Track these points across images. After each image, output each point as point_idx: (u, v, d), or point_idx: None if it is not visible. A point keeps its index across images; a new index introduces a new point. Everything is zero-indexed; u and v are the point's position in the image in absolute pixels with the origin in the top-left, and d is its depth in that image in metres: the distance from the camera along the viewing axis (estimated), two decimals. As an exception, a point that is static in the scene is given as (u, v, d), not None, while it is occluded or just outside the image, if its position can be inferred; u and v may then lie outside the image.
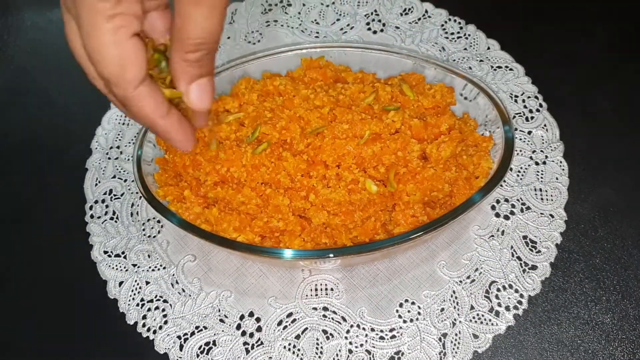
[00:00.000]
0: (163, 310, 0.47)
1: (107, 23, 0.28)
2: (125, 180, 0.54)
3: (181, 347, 0.45)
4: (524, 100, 0.56)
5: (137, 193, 0.53)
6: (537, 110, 0.55)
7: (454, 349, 0.44)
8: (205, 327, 0.46)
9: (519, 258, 0.47)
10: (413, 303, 0.46)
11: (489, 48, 0.61)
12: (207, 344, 0.45)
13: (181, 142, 0.35)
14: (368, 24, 0.64)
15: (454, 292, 0.46)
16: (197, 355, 0.45)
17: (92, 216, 0.52)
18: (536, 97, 0.56)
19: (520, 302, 0.45)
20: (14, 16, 0.70)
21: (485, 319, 0.45)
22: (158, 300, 0.47)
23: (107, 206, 0.53)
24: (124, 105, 0.32)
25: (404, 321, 0.45)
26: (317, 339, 0.45)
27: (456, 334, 0.44)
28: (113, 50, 0.29)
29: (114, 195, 0.53)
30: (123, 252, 0.50)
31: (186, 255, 0.49)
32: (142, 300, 0.47)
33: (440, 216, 0.40)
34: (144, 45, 0.30)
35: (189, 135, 0.35)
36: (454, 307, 0.45)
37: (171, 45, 0.31)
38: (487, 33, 0.62)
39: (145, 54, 0.30)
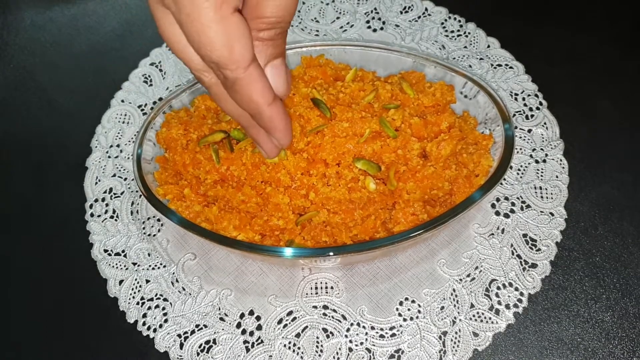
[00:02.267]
0: (163, 308, 0.47)
1: (208, 1, 0.27)
2: (125, 179, 0.54)
3: (181, 345, 0.45)
4: (524, 99, 0.56)
5: (137, 191, 0.53)
6: (537, 109, 0.55)
7: (454, 347, 0.44)
8: (205, 326, 0.46)
9: (519, 256, 0.47)
10: (413, 301, 0.46)
11: (489, 46, 0.61)
12: (207, 342, 0.45)
13: (283, 133, 0.34)
14: (368, 22, 0.64)
15: (454, 290, 0.46)
16: (198, 354, 0.45)
17: (92, 215, 0.52)
18: (536, 95, 0.56)
19: (520, 300, 0.45)
20: (13, 15, 0.70)
21: (485, 317, 0.45)
22: (158, 298, 0.47)
23: (107, 205, 0.53)
24: (233, 89, 0.31)
25: (404, 319, 0.45)
26: (317, 338, 0.45)
27: (456, 332, 0.44)
28: (217, 29, 0.27)
29: (114, 193, 0.53)
30: (123, 251, 0.50)
31: (186, 254, 0.49)
32: (142, 298, 0.47)
33: (441, 214, 0.40)
34: (245, 21, 0.29)
35: (290, 126, 0.35)
36: (454, 305, 0.45)
37: None
38: (487, 31, 0.62)
39: (250, 30, 0.29)
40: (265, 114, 0.32)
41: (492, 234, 0.48)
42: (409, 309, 0.45)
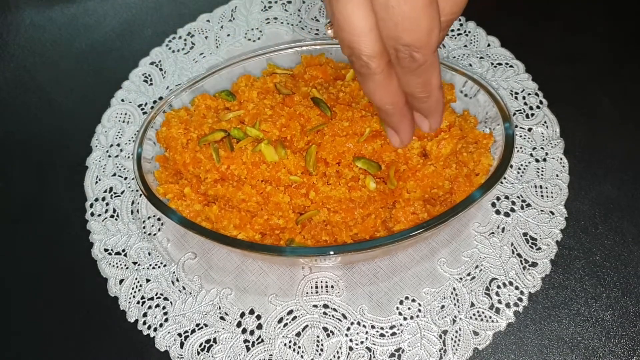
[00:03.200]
0: (163, 308, 0.47)
1: None
2: (126, 178, 0.54)
3: (182, 344, 0.45)
4: (524, 97, 0.56)
5: (137, 191, 0.53)
6: (538, 107, 0.55)
7: (454, 345, 0.44)
8: (205, 325, 0.46)
9: (519, 255, 0.47)
10: (413, 300, 0.46)
11: (489, 45, 0.61)
12: (207, 341, 0.45)
13: (441, 116, 0.37)
14: (368, 21, 0.64)
15: (454, 289, 0.46)
16: (198, 353, 0.45)
17: (92, 214, 0.52)
18: (536, 94, 0.56)
19: (520, 299, 0.45)
20: (13, 14, 0.70)
21: (485, 316, 0.45)
22: (158, 298, 0.47)
23: (107, 204, 0.53)
24: (416, 73, 0.32)
25: (404, 318, 0.45)
26: (318, 337, 0.45)
27: (456, 331, 0.44)
28: (426, 13, 0.28)
29: (114, 193, 0.53)
30: (123, 250, 0.50)
31: (186, 253, 0.49)
32: (142, 298, 0.47)
33: (441, 213, 0.40)
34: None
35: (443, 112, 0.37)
36: (454, 304, 0.45)
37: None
38: (488, 30, 0.62)
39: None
40: (435, 95, 0.34)
41: (493, 233, 0.48)
42: (409, 308, 0.45)
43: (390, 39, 0.29)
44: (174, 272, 0.48)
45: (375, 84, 0.33)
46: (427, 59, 0.30)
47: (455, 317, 0.45)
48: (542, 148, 0.53)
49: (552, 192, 0.50)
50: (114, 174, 0.55)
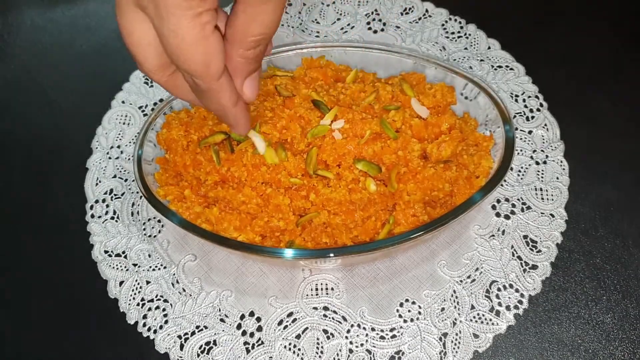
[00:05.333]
0: (163, 309, 0.47)
1: (193, 21, 0.27)
2: (126, 180, 0.54)
3: (182, 346, 0.45)
4: (524, 100, 0.56)
5: (137, 192, 0.53)
6: (538, 110, 0.55)
7: (454, 348, 0.44)
8: (205, 327, 0.46)
9: (519, 257, 0.47)
10: (413, 303, 0.46)
11: (489, 47, 0.61)
12: (207, 343, 0.45)
13: (244, 127, 0.37)
14: (368, 23, 0.64)
15: (454, 291, 0.46)
16: (198, 355, 0.45)
17: (92, 216, 0.52)
18: (537, 97, 0.56)
19: (520, 302, 0.45)
20: (14, 16, 0.70)
21: (485, 319, 0.45)
22: (158, 299, 0.47)
23: (107, 206, 0.53)
24: (203, 96, 0.33)
25: (405, 321, 0.45)
26: (318, 339, 0.45)
27: (457, 334, 0.44)
28: (199, 48, 0.28)
29: (115, 194, 0.53)
30: (123, 252, 0.50)
31: (187, 255, 0.49)
32: (142, 299, 0.47)
33: (441, 216, 0.40)
34: (221, 37, 0.30)
35: (249, 119, 0.37)
36: (455, 307, 0.45)
37: (226, 44, 0.31)
38: (488, 32, 0.62)
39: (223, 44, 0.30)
40: (230, 114, 0.35)
41: (493, 236, 0.48)
42: (409, 310, 0.45)
43: (173, 62, 0.30)
44: (174, 274, 0.48)
45: (168, 88, 0.34)
46: (210, 86, 0.31)
47: (456, 319, 0.45)
48: (542, 150, 0.53)
49: (552, 195, 0.50)
50: (115, 176, 0.55)
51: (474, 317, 0.45)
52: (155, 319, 0.46)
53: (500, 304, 0.45)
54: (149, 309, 0.47)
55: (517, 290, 0.46)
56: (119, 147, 0.57)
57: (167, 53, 0.29)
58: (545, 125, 0.54)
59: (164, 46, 0.29)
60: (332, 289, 0.47)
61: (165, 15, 0.27)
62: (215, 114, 0.36)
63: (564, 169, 0.52)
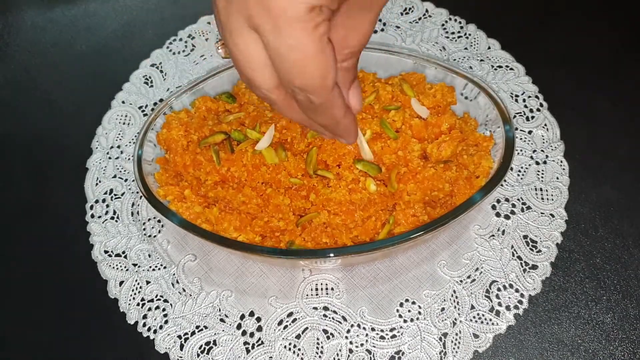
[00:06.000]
0: (163, 309, 0.47)
1: (313, 33, 0.26)
2: (126, 180, 0.54)
3: (182, 346, 0.45)
4: (524, 100, 0.56)
5: (137, 192, 0.53)
6: (538, 110, 0.55)
7: (454, 348, 0.44)
8: (205, 327, 0.46)
9: (519, 257, 0.47)
10: (413, 303, 0.46)
11: (489, 47, 0.61)
12: (207, 343, 0.45)
13: (353, 137, 0.36)
14: (368, 23, 0.64)
15: (454, 291, 0.46)
16: (198, 355, 0.45)
17: (92, 216, 0.52)
18: (537, 97, 0.56)
19: (520, 302, 0.45)
20: (14, 16, 0.70)
21: (485, 319, 0.45)
22: (158, 299, 0.47)
23: (107, 206, 0.53)
24: (316, 111, 0.32)
25: (405, 321, 0.45)
26: (318, 339, 0.45)
27: (457, 334, 0.44)
28: (318, 60, 0.27)
29: (115, 194, 0.53)
30: (123, 252, 0.50)
31: (187, 255, 0.49)
32: (142, 299, 0.47)
33: (441, 216, 0.40)
34: (333, 47, 0.29)
35: (357, 128, 0.37)
36: (455, 307, 0.45)
37: None
38: (488, 32, 0.62)
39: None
40: (342, 125, 0.34)
41: (493, 236, 0.48)
42: (409, 311, 0.45)
43: (285, 80, 0.29)
44: (174, 274, 0.48)
45: (282, 110, 0.33)
46: (323, 100, 0.30)
47: (456, 319, 0.45)
48: (542, 151, 0.53)
49: (552, 195, 0.50)
50: (115, 176, 0.55)
51: (474, 317, 0.45)
52: (155, 319, 0.46)
53: (500, 304, 0.45)
54: (149, 309, 0.47)
55: (517, 290, 0.46)
56: (119, 147, 0.57)
57: (281, 71, 0.28)
58: (545, 125, 0.54)
59: (279, 64, 0.28)
60: (332, 289, 0.47)
61: (285, 30, 0.26)
62: (324, 128, 0.35)
63: (564, 169, 0.52)
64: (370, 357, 0.44)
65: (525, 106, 0.56)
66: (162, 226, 0.51)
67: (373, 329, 0.45)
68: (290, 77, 0.28)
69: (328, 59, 0.28)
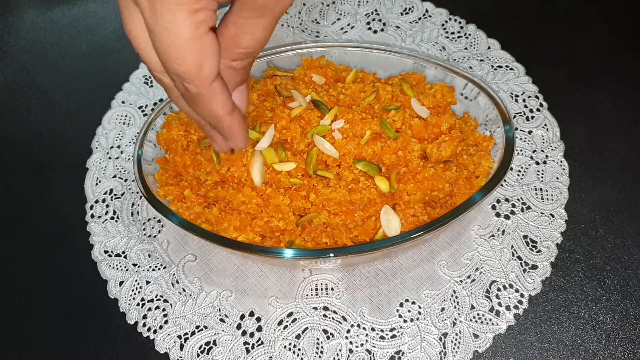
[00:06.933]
0: (163, 309, 0.47)
1: (189, 18, 0.26)
2: (126, 180, 0.54)
3: (181, 346, 0.45)
4: (524, 100, 0.56)
5: (137, 192, 0.53)
6: (538, 110, 0.55)
7: (454, 348, 0.44)
8: (205, 327, 0.46)
9: (519, 257, 0.47)
10: (413, 303, 0.46)
11: (489, 47, 0.61)
12: (207, 343, 0.45)
13: (242, 138, 0.35)
14: (368, 23, 0.64)
15: (454, 291, 0.46)
16: (198, 355, 0.45)
17: (92, 216, 0.52)
18: (537, 97, 0.56)
19: (520, 302, 0.45)
20: (14, 16, 0.70)
21: (485, 319, 0.45)
22: (158, 299, 0.47)
23: (107, 206, 0.53)
24: (194, 102, 0.31)
25: (405, 321, 0.45)
26: (318, 339, 0.45)
27: (456, 334, 0.44)
28: (192, 47, 0.27)
29: (115, 194, 0.53)
30: (123, 252, 0.50)
31: (186, 255, 0.49)
32: (142, 299, 0.47)
33: (441, 216, 0.40)
34: (217, 39, 0.29)
35: (246, 132, 0.35)
36: (455, 307, 0.45)
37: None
38: (488, 32, 0.62)
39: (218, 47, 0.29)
40: (225, 123, 0.33)
41: (493, 236, 0.48)
42: (409, 311, 0.45)
43: (162, 63, 0.29)
44: (174, 274, 0.48)
45: (171, 98, 0.33)
46: (201, 91, 0.29)
47: (456, 319, 0.45)
48: (542, 151, 0.53)
49: (552, 195, 0.50)
50: (114, 176, 0.55)
51: (474, 317, 0.45)
52: (155, 319, 0.46)
53: (500, 304, 0.45)
54: (149, 309, 0.47)
55: (517, 290, 0.46)
56: (119, 147, 0.57)
57: (157, 53, 0.28)
58: (545, 125, 0.54)
59: (155, 44, 0.28)
60: (332, 289, 0.47)
61: (160, 10, 0.26)
62: (208, 127, 0.34)
63: (564, 169, 0.52)
64: (370, 357, 0.44)
65: (525, 106, 0.56)
66: (162, 226, 0.51)
67: (373, 329, 0.45)
68: (164, 59, 0.28)
69: (205, 49, 0.27)
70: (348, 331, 0.45)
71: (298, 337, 0.45)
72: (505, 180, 0.51)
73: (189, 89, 0.29)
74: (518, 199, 0.50)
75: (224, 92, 0.31)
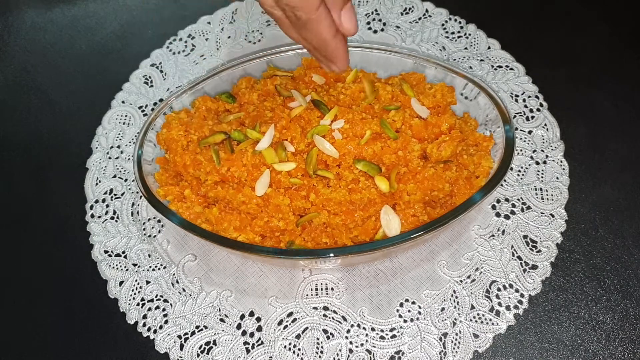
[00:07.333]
0: (163, 309, 0.47)
1: None
2: (126, 180, 0.54)
3: (181, 346, 0.45)
4: (524, 100, 0.56)
5: (137, 192, 0.53)
6: (538, 110, 0.55)
7: (454, 348, 0.44)
8: (205, 327, 0.46)
9: (519, 257, 0.47)
10: (413, 303, 0.46)
11: (489, 47, 0.61)
12: (207, 343, 0.45)
13: (342, 62, 0.40)
14: (368, 23, 0.64)
15: (454, 291, 0.46)
16: (198, 355, 0.45)
17: (92, 216, 0.52)
18: (537, 97, 0.56)
19: (520, 302, 0.45)
20: (14, 16, 0.70)
21: (485, 319, 0.45)
22: (158, 299, 0.47)
23: (107, 206, 0.53)
24: (304, 27, 0.36)
25: (405, 321, 0.45)
26: (318, 339, 0.45)
27: (457, 334, 0.44)
28: None
29: (115, 194, 0.53)
30: (123, 252, 0.50)
31: (186, 255, 0.49)
32: (142, 299, 0.47)
33: (441, 216, 0.40)
34: None
35: (348, 55, 0.40)
36: (455, 307, 0.45)
37: None
38: (488, 32, 0.62)
39: None
40: (330, 46, 0.38)
41: (493, 236, 0.48)
42: (409, 310, 0.45)
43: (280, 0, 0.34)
44: (174, 274, 0.48)
45: (282, 27, 0.38)
46: (310, 16, 0.34)
47: (456, 319, 0.45)
48: (542, 150, 0.53)
49: (552, 195, 0.50)
50: (114, 176, 0.55)
51: (474, 317, 0.45)
52: (155, 319, 0.46)
53: (500, 304, 0.45)
54: (149, 309, 0.47)
55: (517, 290, 0.46)
56: (119, 147, 0.57)
57: None
58: (545, 125, 0.54)
59: None
60: (332, 289, 0.47)
61: None
62: (317, 51, 0.38)
63: (564, 169, 0.52)
64: (370, 357, 0.44)
65: (525, 106, 0.56)
66: (162, 226, 0.51)
67: (373, 329, 0.45)
68: None
69: None
70: (348, 331, 0.45)
71: (298, 337, 0.45)
72: (505, 180, 0.51)
73: (299, 16, 0.34)
74: (518, 199, 0.50)
75: (328, 16, 0.36)
